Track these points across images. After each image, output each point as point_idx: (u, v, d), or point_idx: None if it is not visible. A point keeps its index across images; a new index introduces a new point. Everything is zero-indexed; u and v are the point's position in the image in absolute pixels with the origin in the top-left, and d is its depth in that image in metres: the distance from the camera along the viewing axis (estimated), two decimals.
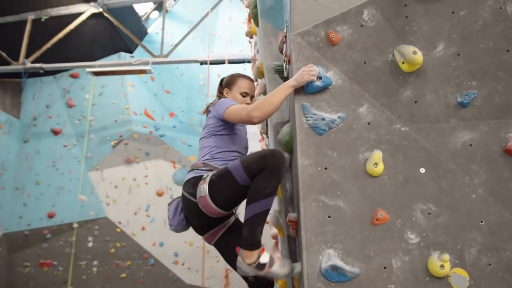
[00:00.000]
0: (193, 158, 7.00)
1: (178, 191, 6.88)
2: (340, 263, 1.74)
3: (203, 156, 2.25)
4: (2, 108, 6.79)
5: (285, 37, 2.26)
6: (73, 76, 7.05)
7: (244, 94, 2.44)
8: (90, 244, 6.71)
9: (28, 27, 6.29)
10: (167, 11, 7.84)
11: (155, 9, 8.02)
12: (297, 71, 1.98)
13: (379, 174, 1.87)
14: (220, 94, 2.54)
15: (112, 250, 6.78)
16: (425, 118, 1.93)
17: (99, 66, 6.18)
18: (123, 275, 6.68)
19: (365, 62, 2.00)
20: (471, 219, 1.81)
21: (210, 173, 2.06)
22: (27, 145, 7.06)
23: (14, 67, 6.15)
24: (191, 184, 2.11)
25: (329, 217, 1.84)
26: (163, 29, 6.32)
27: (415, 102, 1.95)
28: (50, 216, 6.78)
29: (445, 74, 1.95)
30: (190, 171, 2.23)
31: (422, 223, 1.81)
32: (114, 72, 6.23)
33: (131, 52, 7.35)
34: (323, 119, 1.93)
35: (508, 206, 1.80)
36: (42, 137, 7.05)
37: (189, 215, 2.17)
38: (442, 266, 1.71)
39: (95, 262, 6.68)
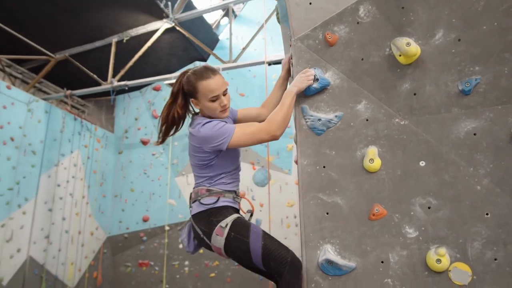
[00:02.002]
0: (271, 158, 7.31)
1: (259, 192, 7.28)
2: (335, 258, 1.87)
3: (203, 183, 2.19)
4: (99, 124, 7.88)
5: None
6: (156, 89, 7.88)
7: (214, 99, 2.09)
8: (181, 246, 7.43)
9: (113, 49, 7.16)
10: (235, 16, 8.30)
11: (224, 15, 8.52)
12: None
13: (377, 170, 1.95)
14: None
15: (201, 251, 7.41)
16: (425, 110, 1.95)
17: (175, 77, 6.85)
18: (212, 274, 7.26)
19: (362, 59, 2.09)
20: (475, 211, 1.80)
21: (228, 222, 2.02)
22: (122, 156, 8.09)
23: (103, 87, 7.07)
24: (205, 221, 2.09)
25: (327, 213, 1.98)
26: (230, 35, 6.73)
27: (414, 94, 1.98)
28: (145, 220, 7.67)
29: (445, 62, 1.95)
30: (194, 201, 2.17)
31: (421, 217, 1.86)
32: None
33: (205, 60, 7.94)
34: (319, 119, 2.07)
35: None
36: (133, 147, 8.00)
37: (202, 245, 2.20)
38: (438, 260, 1.75)
39: (187, 262, 7.37)
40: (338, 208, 1.97)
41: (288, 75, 2.49)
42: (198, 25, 7.48)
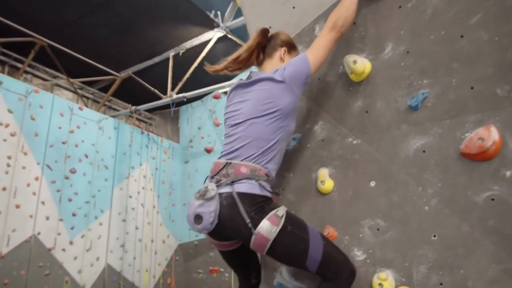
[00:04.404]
0: None
1: None
2: (287, 280, 2.01)
3: (259, 158, 1.92)
4: (165, 135, 8.57)
5: None
6: (216, 97, 8.32)
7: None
8: None
9: (170, 63, 7.75)
10: None
11: None
12: None
13: (329, 191, 2.05)
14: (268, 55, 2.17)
15: None
16: (376, 128, 2.00)
17: (229, 85, 7.21)
18: None
19: (319, 79, 2.19)
20: (422, 233, 1.82)
21: (284, 213, 1.82)
22: (188, 165, 8.69)
23: (164, 100, 7.70)
24: (256, 207, 1.82)
25: None
26: None
27: (366, 112, 2.03)
28: None
29: (395, 77, 1.98)
30: (247, 178, 1.87)
31: (369, 239, 1.92)
32: None
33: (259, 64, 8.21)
34: None
35: (467, 217, 1.73)
36: (198, 156, 8.54)
37: (228, 228, 1.87)
38: (381, 284, 1.81)
39: None
40: None
41: None
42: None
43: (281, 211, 1.82)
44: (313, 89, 2.19)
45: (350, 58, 2.02)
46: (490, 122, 1.72)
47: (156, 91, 7.86)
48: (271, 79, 1.95)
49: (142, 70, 7.95)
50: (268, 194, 1.90)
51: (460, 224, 1.75)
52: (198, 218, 1.85)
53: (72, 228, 6.79)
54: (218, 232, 1.91)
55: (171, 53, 7.75)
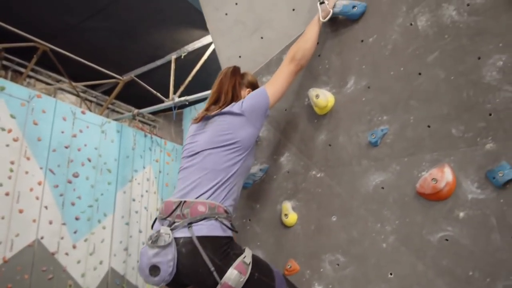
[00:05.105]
0: None
1: None
2: None
3: (217, 195, 1.81)
4: (169, 138, 8.68)
5: None
6: None
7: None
8: None
9: (172, 66, 7.84)
10: None
11: None
12: None
13: (292, 224, 2.10)
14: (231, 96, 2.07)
15: None
16: (339, 162, 2.04)
17: None
18: None
19: (286, 110, 2.23)
20: (379, 270, 1.85)
21: (250, 259, 1.73)
22: None
23: (166, 104, 7.79)
24: (220, 252, 1.69)
25: None
26: None
27: (329, 145, 2.07)
28: None
29: (356, 111, 2.01)
30: (207, 218, 1.73)
31: (329, 274, 1.96)
32: None
33: None
34: None
35: (422, 256, 1.77)
36: None
37: (189, 278, 1.72)
38: None
39: None
40: None
41: None
42: None
43: (248, 257, 1.72)
44: (280, 120, 2.23)
45: (313, 92, 2.05)
46: (445, 162, 1.74)
47: (159, 94, 7.96)
48: (229, 113, 1.93)
49: (144, 73, 8.06)
50: (231, 234, 1.79)
51: (415, 263, 1.79)
52: (154, 269, 1.66)
53: (75, 232, 6.96)
54: (175, 281, 1.73)
55: (173, 56, 7.83)
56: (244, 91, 2.14)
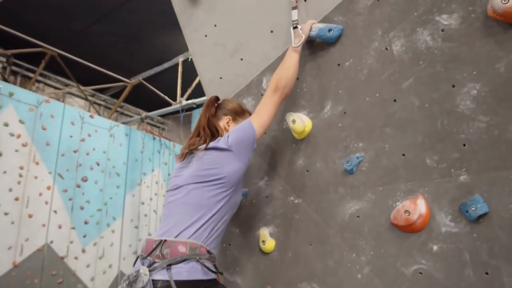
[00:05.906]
0: None
1: None
2: None
3: (200, 235, 1.75)
4: (178, 140, 8.75)
5: None
6: None
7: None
8: None
9: (180, 68, 7.87)
10: None
11: None
12: None
13: (270, 251, 2.09)
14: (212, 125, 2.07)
15: None
16: (316, 188, 2.02)
17: None
18: None
19: (265, 133, 2.22)
20: None
21: None
22: None
23: (173, 107, 7.84)
24: None
25: None
26: None
27: (307, 171, 2.06)
28: None
29: (333, 137, 1.99)
30: (188, 260, 1.67)
31: None
32: None
33: None
34: None
35: None
36: None
37: None
38: None
39: None
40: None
41: None
42: None
43: None
44: (259, 143, 2.22)
45: (290, 117, 2.04)
46: (419, 193, 1.72)
47: (166, 97, 8.01)
48: (215, 148, 1.88)
49: (152, 76, 8.11)
50: (214, 276, 1.72)
51: None
52: None
53: (84, 236, 7.08)
54: None
55: (180, 59, 7.86)
56: (223, 121, 2.11)
